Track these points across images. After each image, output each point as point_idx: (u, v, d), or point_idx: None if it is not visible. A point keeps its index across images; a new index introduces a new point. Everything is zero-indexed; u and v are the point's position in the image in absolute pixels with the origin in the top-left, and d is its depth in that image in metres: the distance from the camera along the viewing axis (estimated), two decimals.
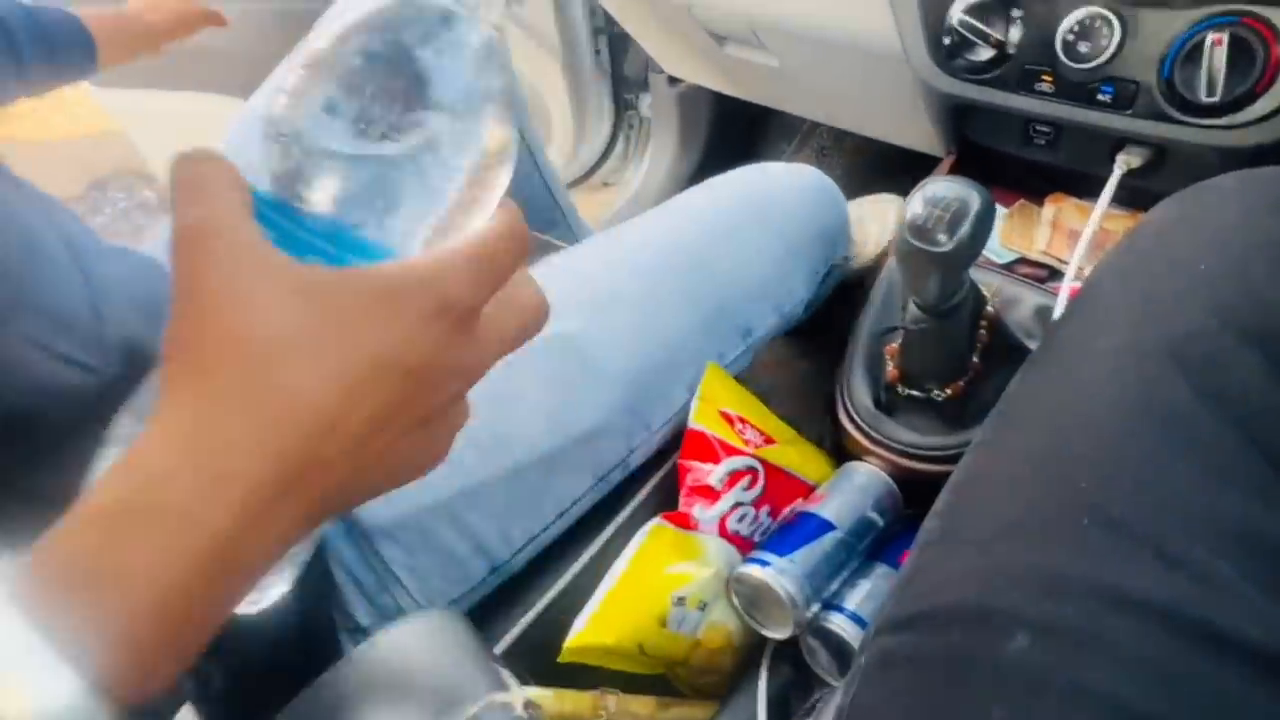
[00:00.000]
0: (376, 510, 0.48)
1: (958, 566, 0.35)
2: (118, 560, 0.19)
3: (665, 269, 0.58)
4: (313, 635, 0.47)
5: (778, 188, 0.65)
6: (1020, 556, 0.33)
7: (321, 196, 0.24)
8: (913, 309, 0.53)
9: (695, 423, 0.55)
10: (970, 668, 0.31)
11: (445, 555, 0.50)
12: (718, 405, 0.56)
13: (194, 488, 0.19)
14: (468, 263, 0.23)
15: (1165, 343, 0.35)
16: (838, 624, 0.52)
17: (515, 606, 0.53)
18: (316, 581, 0.47)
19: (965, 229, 0.46)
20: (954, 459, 0.56)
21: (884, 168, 1.10)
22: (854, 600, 0.53)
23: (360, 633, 0.48)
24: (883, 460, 0.59)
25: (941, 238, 0.46)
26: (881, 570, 0.55)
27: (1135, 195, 0.64)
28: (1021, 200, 0.71)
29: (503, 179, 0.26)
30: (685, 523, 0.53)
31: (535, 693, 0.52)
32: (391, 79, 0.24)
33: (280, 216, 0.24)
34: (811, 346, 1.03)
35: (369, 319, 0.22)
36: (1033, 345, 0.59)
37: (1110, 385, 0.36)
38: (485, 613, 0.53)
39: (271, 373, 0.21)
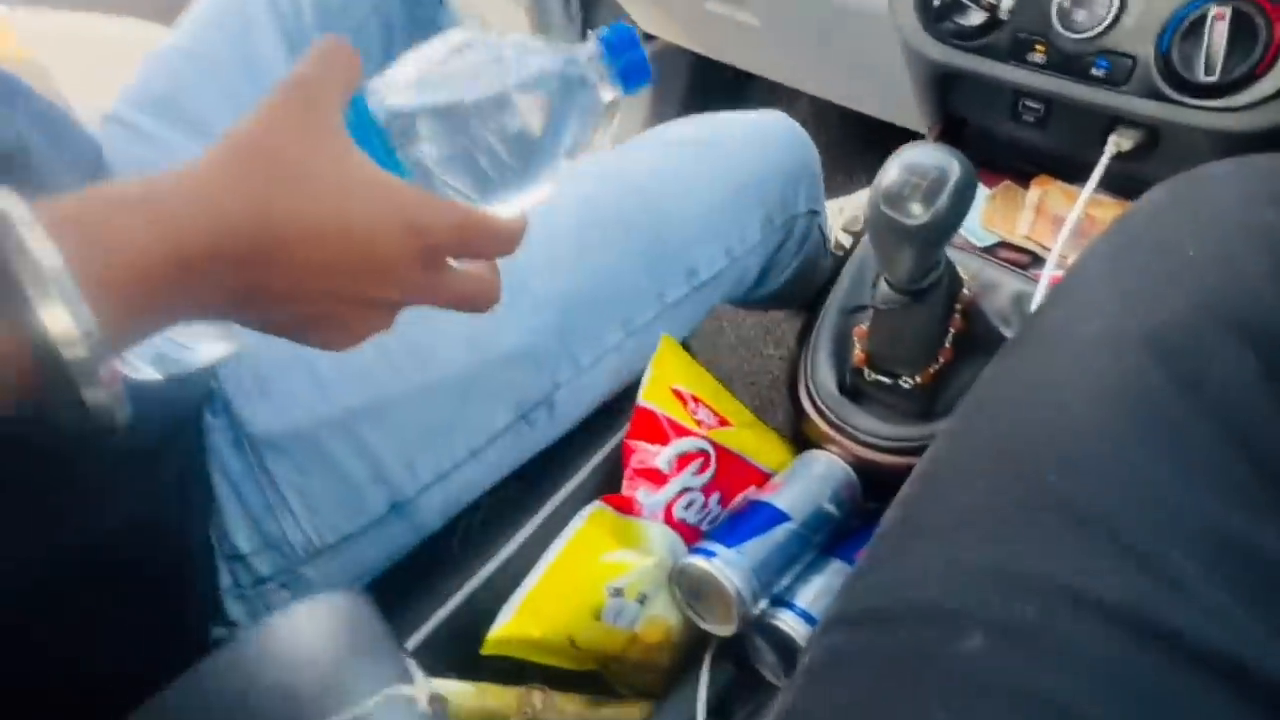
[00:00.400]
0: (266, 418, 0.45)
1: (915, 561, 0.35)
2: (117, 225, 0.26)
3: (605, 197, 0.56)
4: (188, 557, 0.44)
5: (735, 128, 0.63)
6: (980, 552, 0.33)
7: (414, 146, 0.32)
8: (884, 288, 0.52)
9: (644, 400, 0.53)
10: (918, 667, 0.31)
11: (340, 478, 0.47)
12: (670, 382, 0.54)
13: (180, 208, 0.27)
14: (462, 220, 0.31)
15: (1146, 331, 0.34)
16: (787, 622, 0.50)
17: (436, 591, 0.51)
18: (194, 492, 0.44)
19: (943, 200, 0.44)
20: (920, 451, 0.55)
21: (867, 142, 1.09)
22: (805, 598, 0.52)
23: (239, 561, 0.46)
24: (844, 450, 0.58)
25: (916, 209, 0.45)
26: (836, 566, 0.54)
27: (1125, 183, 0.63)
28: (1006, 181, 0.70)
29: (539, 198, 0.35)
30: (628, 507, 0.51)
31: (454, 687, 0.50)
32: (515, 114, 0.32)
33: (362, 117, 0.31)
34: (780, 333, 1.02)
35: (369, 200, 0.29)
36: (1009, 334, 0.58)
37: (1085, 374, 0.35)
38: (402, 597, 0.51)
39: (280, 186, 0.28)
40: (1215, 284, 0.35)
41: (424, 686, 0.35)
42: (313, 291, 0.29)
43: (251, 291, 0.29)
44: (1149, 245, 0.39)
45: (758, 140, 0.62)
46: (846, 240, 0.85)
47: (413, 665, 0.36)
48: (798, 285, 0.71)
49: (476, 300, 0.33)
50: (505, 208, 0.34)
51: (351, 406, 0.47)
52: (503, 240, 0.33)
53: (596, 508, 0.51)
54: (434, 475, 0.50)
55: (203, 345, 0.32)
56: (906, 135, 0.86)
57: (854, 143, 1.13)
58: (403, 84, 0.32)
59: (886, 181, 0.46)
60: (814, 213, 0.65)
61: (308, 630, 0.36)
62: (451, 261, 0.33)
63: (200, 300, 0.28)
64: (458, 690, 0.50)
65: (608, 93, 0.35)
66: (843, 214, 0.92)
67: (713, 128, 0.63)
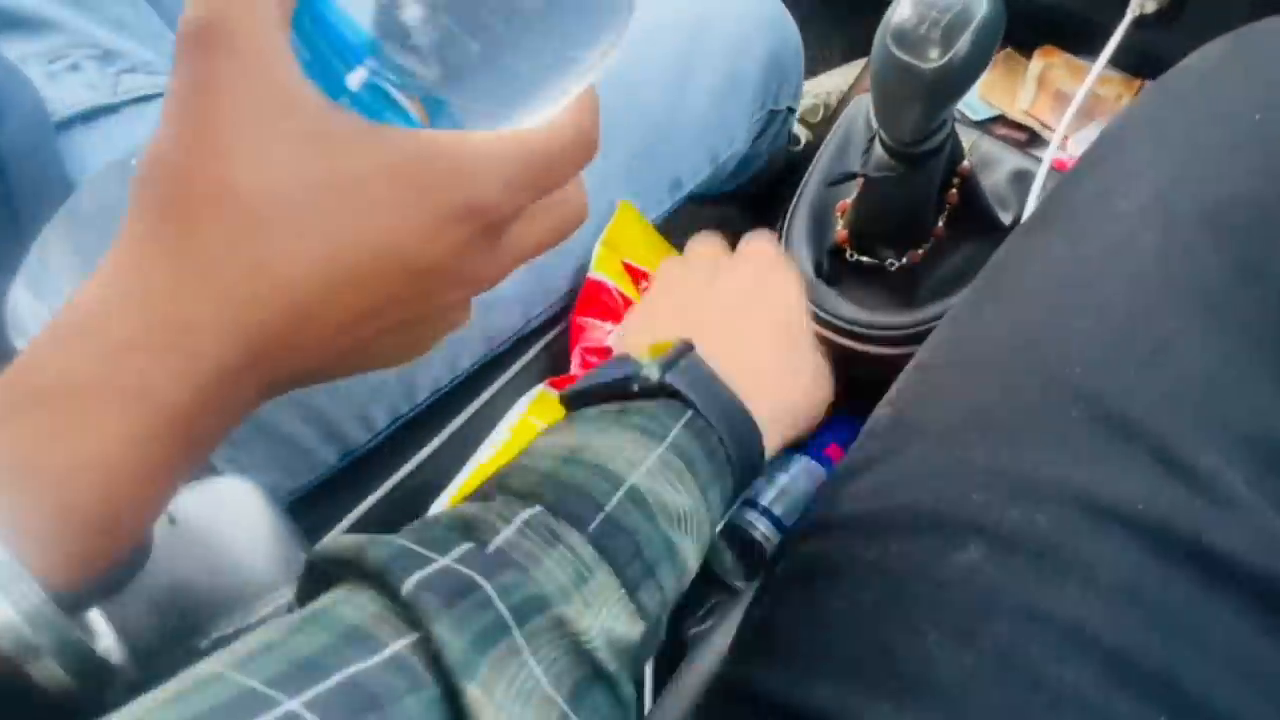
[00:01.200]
0: None
1: (908, 463, 0.31)
2: (65, 449, 0.18)
3: None
4: None
5: (720, 6, 0.55)
6: (986, 452, 0.29)
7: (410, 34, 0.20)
8: (878, 152, 0.46)
9: (596, 272, 0.47)
10: (908, 580, 0.27)
11: (283, 443, 0.42)
12: (622, 255, 0.48)
13: (155, 365, 0.19)
14: (516, 166, 0.21)
15: (1201, 207, 0.30)
16: (748, 520, 0.47)
17: (367, 478, 0.46)
18: None
19: (964, 41, 0.38)
20: (899, 341, 0.51)
21: (832, 20, 1.01)
22: (768, 496, 0.48)
23: None
24: (815, 337, 0.54)
25: (932, 52, 0.39)
26: (803, 463, 0.51)
27: (1138, 60, 0.58)
28: (1007, 50, 0.64)
29: (591, 78, 0.23)
30: None
31: None
32: None
33: (324, 33, 0.20)
34: (760, 222, 0.96)
35: (383, 201, 0.20)
36: (1006, 217, 0.53)
37: (1126, 254, 0.31)
38: (328, 484, 0.45)
39: (258, 243, 0.19)
40: None
41: None
42: (357, 342, 0.22)
43: (282, 385, 0.22)
44: (1204, 108, 0.33)
45: (748, 25, 0.53)
46: (801, 132, 0.78)
47: None
48: (752, 183, 0.65)
49: (564, 231, 0.25)
50: (541, 113, 0.23)
51: None
52: (579, 153, 0.23)
53: (541, 391, 0.45)
54: (390, 421, 0.45)
55: None
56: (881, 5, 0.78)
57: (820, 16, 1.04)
58: None
59: (899, 17, 0.39)
60: (791, 110, 0.59)
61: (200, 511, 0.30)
62: None
63: (241, 415, 0.22)
64: None
65: None
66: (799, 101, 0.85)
67: (698, 5, 0.54)
